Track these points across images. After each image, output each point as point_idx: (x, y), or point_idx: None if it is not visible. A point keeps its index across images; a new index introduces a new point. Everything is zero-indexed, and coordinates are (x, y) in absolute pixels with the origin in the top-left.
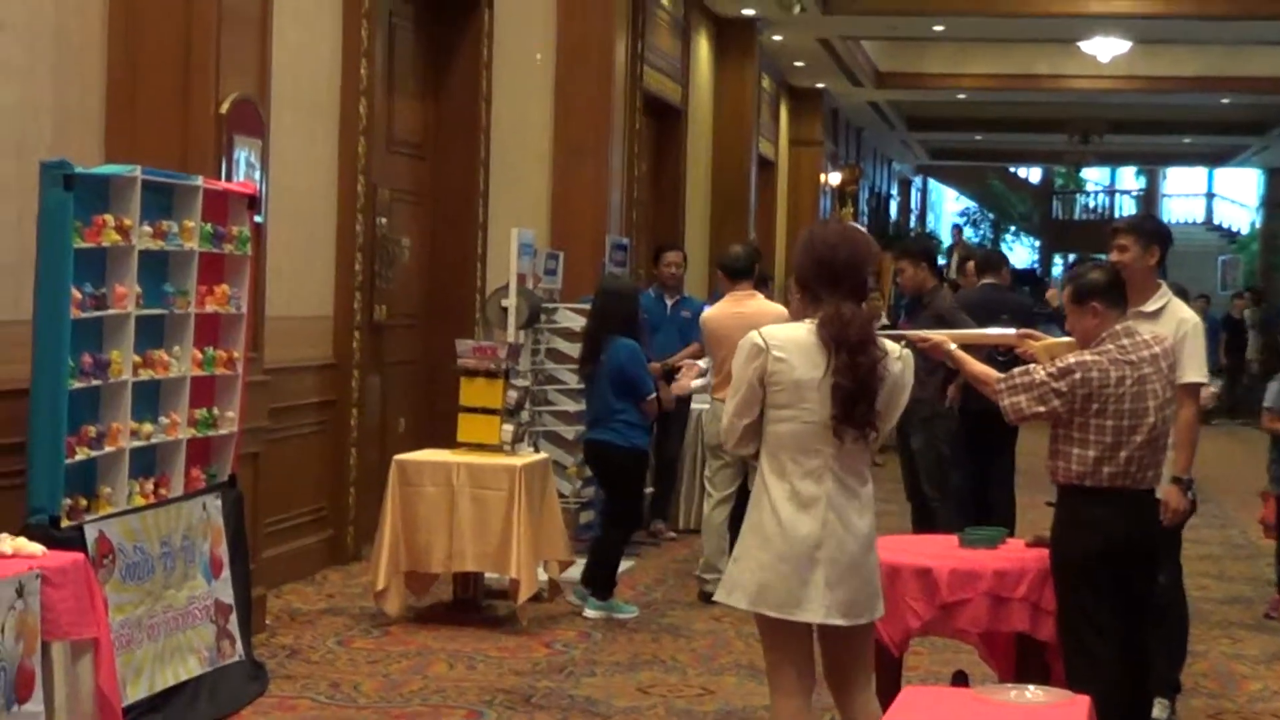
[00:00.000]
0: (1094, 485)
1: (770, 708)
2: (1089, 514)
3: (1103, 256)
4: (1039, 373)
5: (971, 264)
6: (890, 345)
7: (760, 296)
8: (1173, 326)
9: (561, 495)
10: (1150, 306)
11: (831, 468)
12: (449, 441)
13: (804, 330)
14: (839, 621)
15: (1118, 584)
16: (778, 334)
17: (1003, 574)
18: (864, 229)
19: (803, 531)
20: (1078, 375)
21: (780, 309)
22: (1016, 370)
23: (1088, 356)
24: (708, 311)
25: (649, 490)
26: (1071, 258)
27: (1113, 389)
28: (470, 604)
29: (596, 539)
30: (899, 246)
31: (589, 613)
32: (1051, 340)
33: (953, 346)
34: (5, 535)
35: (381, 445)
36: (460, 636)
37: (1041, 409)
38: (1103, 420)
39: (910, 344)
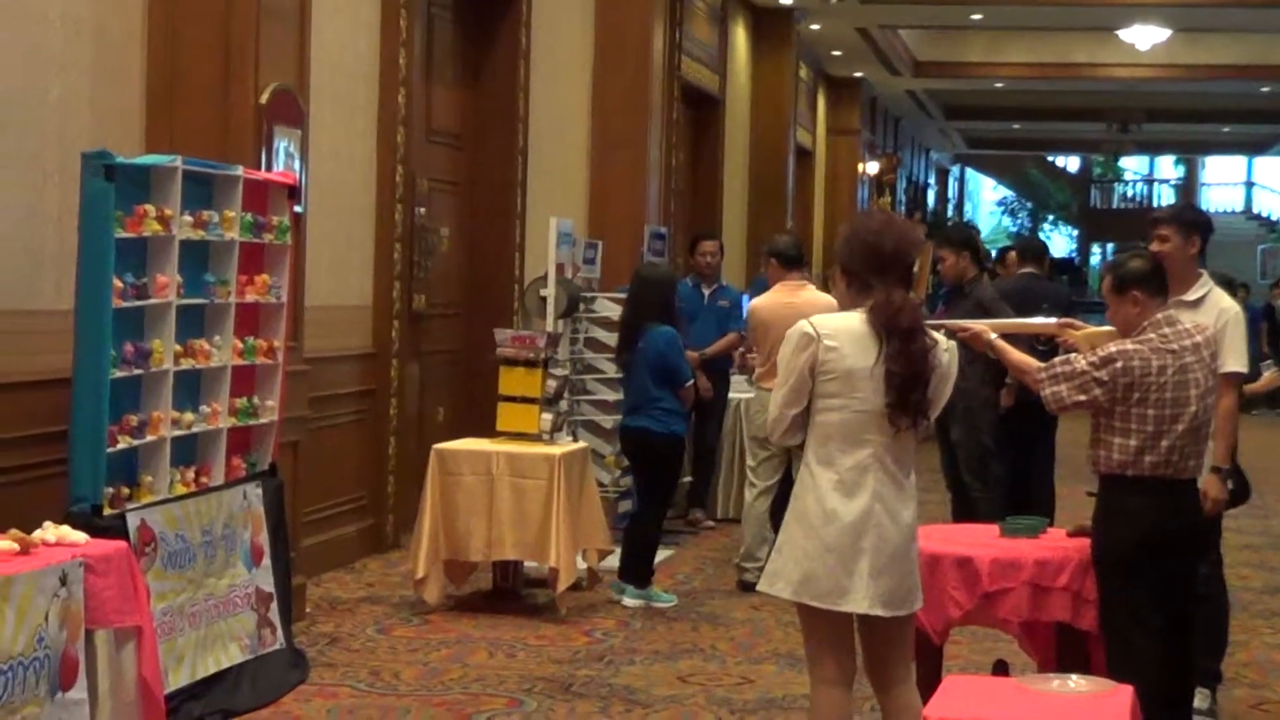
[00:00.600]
0: (1136, 475)
1: (810, 697)
2: (1131, 503)
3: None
4: (1080, 362)
5: (1012, 254)
6: (938, 336)
7: (811, 287)
8: (1214, 316)
9: (600, 484)
10: (1191, 295)
11: (880, 457)
12: (487, 430)
13: (855, 319)
14: (881, 613)
15: (1159, 574)
16: (829, 323)
17: (1044, 563)
18: (896, 215)
19: (848, 520)
20: (1119, 364)
21: (831, 299)
22: (1057, 360)
23: (1129, 345)
24: (757, 300)
25: (687, 479)
26: (1110, 247)
27: (1154, 378)
28: (509, 592)
29: (629, 529)
30: (940, 235)
31: (628, 601)
32: (1092, 329)
33: (993, 336)
34: (48, 524)
35: (420, 434)
36: (500, 625)
37: (1082, 398)
38: (1144, 409)
39: (950, 333)
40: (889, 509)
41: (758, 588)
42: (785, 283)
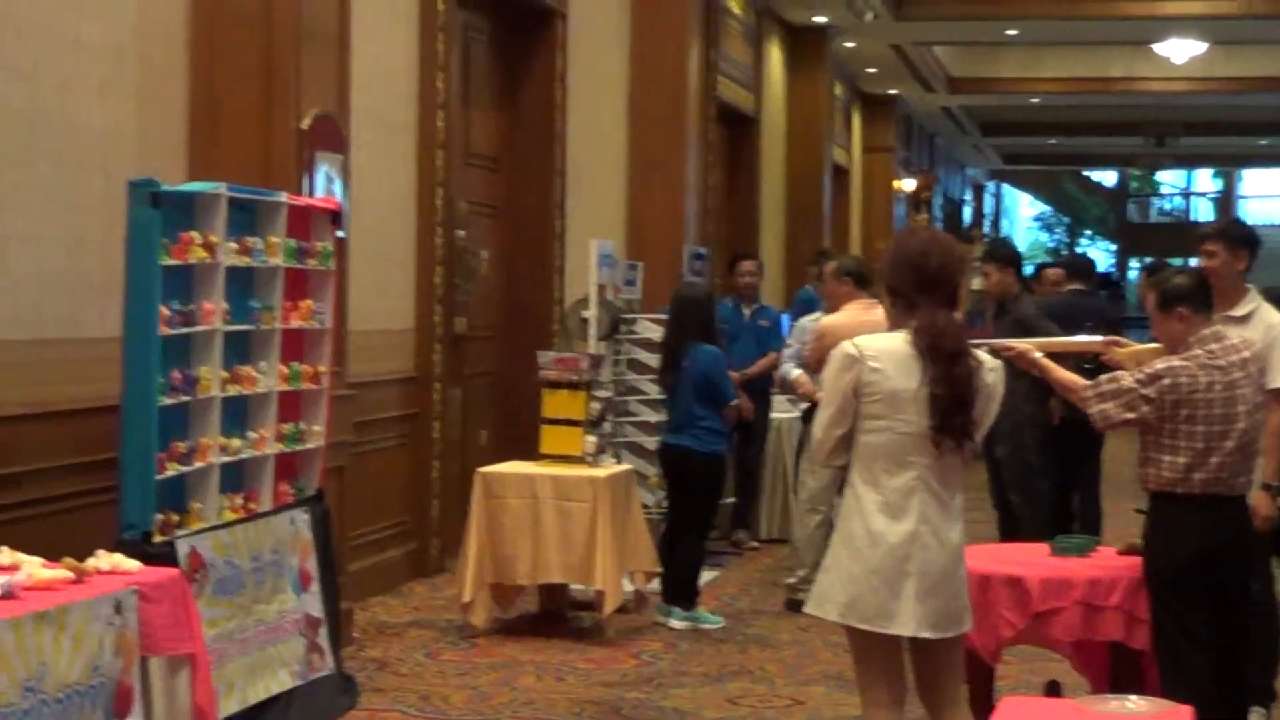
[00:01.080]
0: (1186, 492)
1: (862, 719)
2: (1181, 521)
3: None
4: (1127, 379)
5: (1049, 271)
6: (984, 356)
7: (881, 307)
8: (1261, 331)
9: (644, 506)
10: (1239, 311)
11: (925, 478)
12: (530, 453)
13: (899, 340)
14: (928, 635)
15: (1211, 591)
16: (872, 344)
17: (1095, 582)
18: (941, 232)
19: (894, 542)
20: (1166, 381)
21: None
22: (1104, 377)
23: (1176, 362)
24: (832, 319)
25: (730, 500)
26: (1147, 261)
27: (1202, 394)
28: (556, 615)
29: (665, 550)
30: (985, 250)
31: (674, 624)
32: (1138, 346)
33: (1038, 355)
34: (101, 552)
35: (463, 457)
36: (547, 648)
37: (1130, 415)
38: (1193, 426)
39: (995, 352)
40: (935, 530)
41: (805, 609)
42: (859, 301)
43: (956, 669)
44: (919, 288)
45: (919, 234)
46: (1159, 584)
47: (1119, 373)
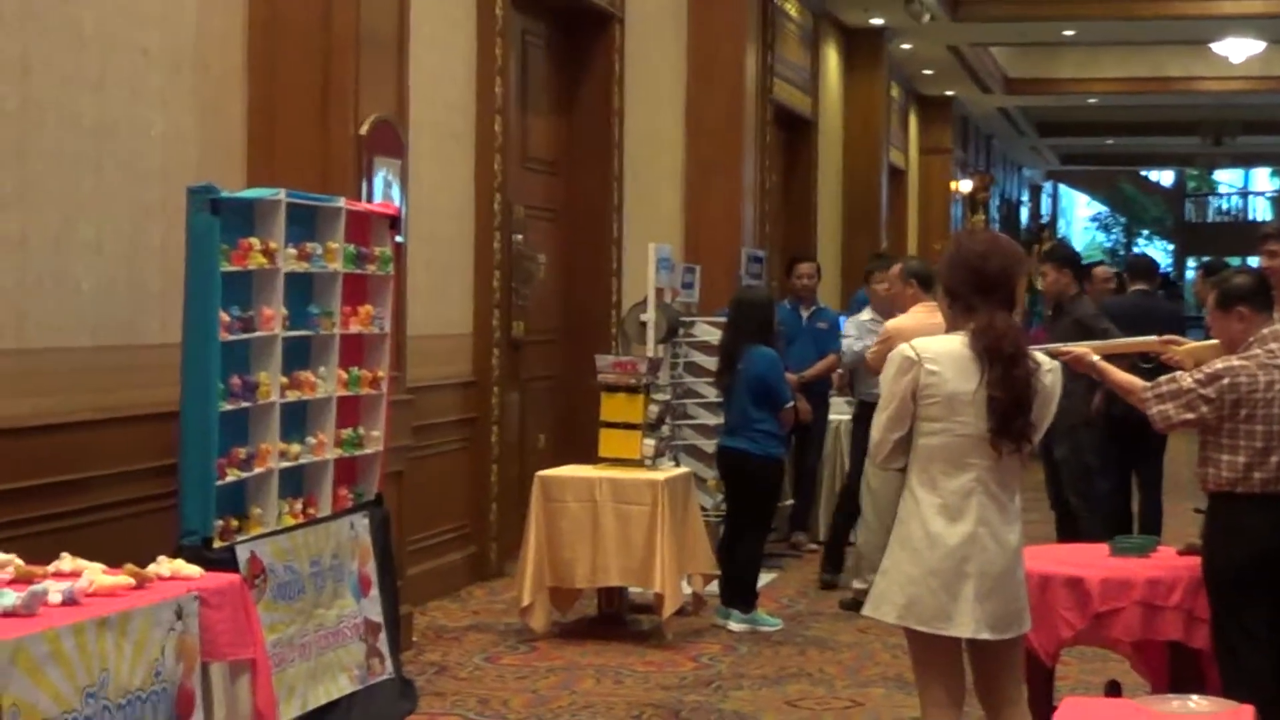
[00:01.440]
0: (1246, 491)
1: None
2: (1241, 521)
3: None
4: (1186, 380)
5: (1099, 269)
6: (1042, 358)
7: None
8: None
9: (702, 509)
10: None
11: (984, 480)
12: (588, 457)
13: (957, 342)
14: (988, 636)
15: (1271, 591)
16: (930, 346)
17: (1155, 582)
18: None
19: (953, 544)
20: (1225, 381)
21: None
22: (1163, 378)
23: (1235, 362)
24: (894, 322)
25: (789, 503)
26: (1204, 261)
27: (1262, 394)
28: (615, 619)
29: (728, 553)
30: (1044, 251)
31: (733, 626)
32: (1195, 344)
33: (1095, 358)
34: (162, 558)
35: (522, 461)
36: (606, 651)
37: (1190, 416)
38: (1252, 425)
39: (1053, 354)
40: (994, 532)
41: (863, 611)
42: (925, 304)
43: (1016, 670)
44: (977, 289)
45: (977, 235)
46: (1219, 584)
47: (1178, 373)
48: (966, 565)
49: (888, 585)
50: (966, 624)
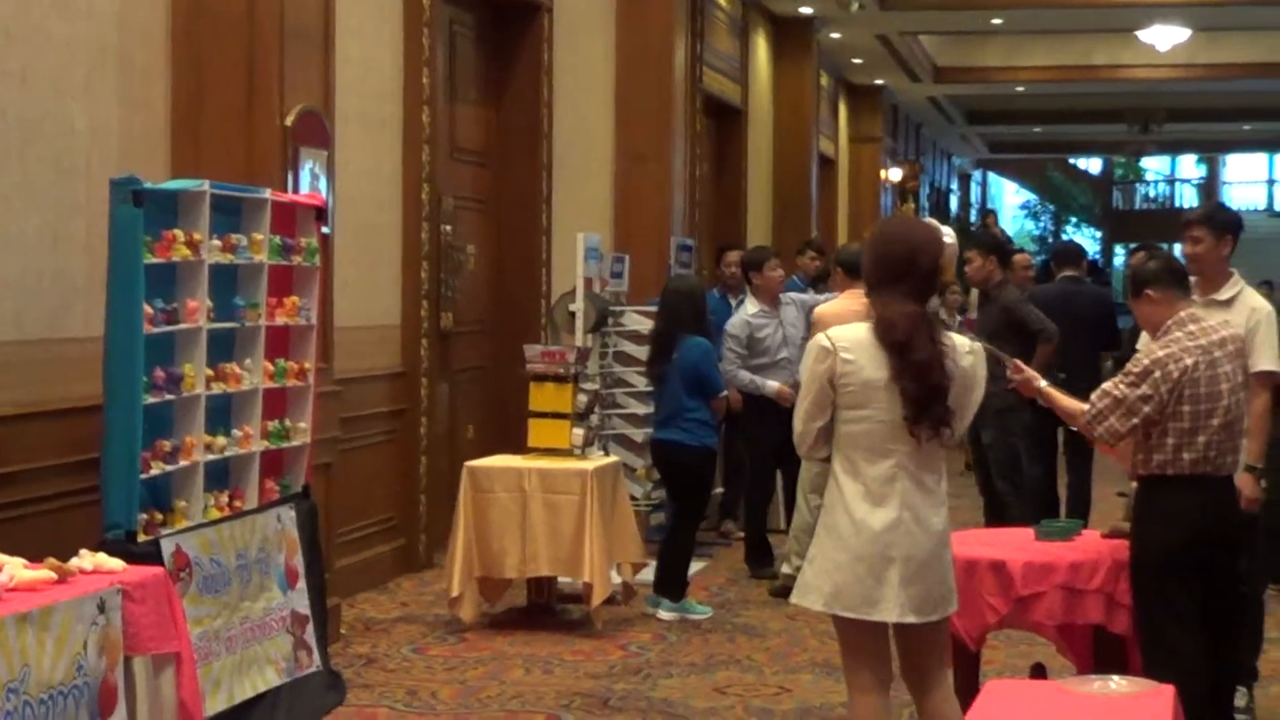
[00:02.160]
0: (1175, 474)
1: (848, 705)
2: (1172, 503)
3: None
4: (1117, 389)
5: (1020, 257)
6: (960, 339)
7: None
8: (1245, 315)
9: (632, 498)
10: (1223, 295)
11: (905, 466)
12: (518, 447)
13: (865, 330)
14: (913, 620)
15: (1200, 573)
16: (844, 335)
17: (1077, 566)
18: (933, 221)
19: (877, 530)
20: (1157, 374)
21: None
22: (1094, 395)
23: (1159, 352)
24: (825, 307)
25: (718, 491)
26: (1131, 247)
27: (1189, 375)
28: (544, 608)
29: (664, 542)
30: (972, 238)
31: (663, 614)
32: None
33: (1042, 384)
34: (85, 551)
35: (451, 452)
36: (535, 641)
37: (1135, 421)
38: (1180, 407)
39: (998, 363)
40: (917, 516)
41: (791, 599)
42: (852, 291)
43: (941, 654)
44: (884, 277)
45: (890, 222)
46: (1149, 567)
47: (1105, 384)
48: (891, 550)
49: (814, 573)
50: (891, 609)
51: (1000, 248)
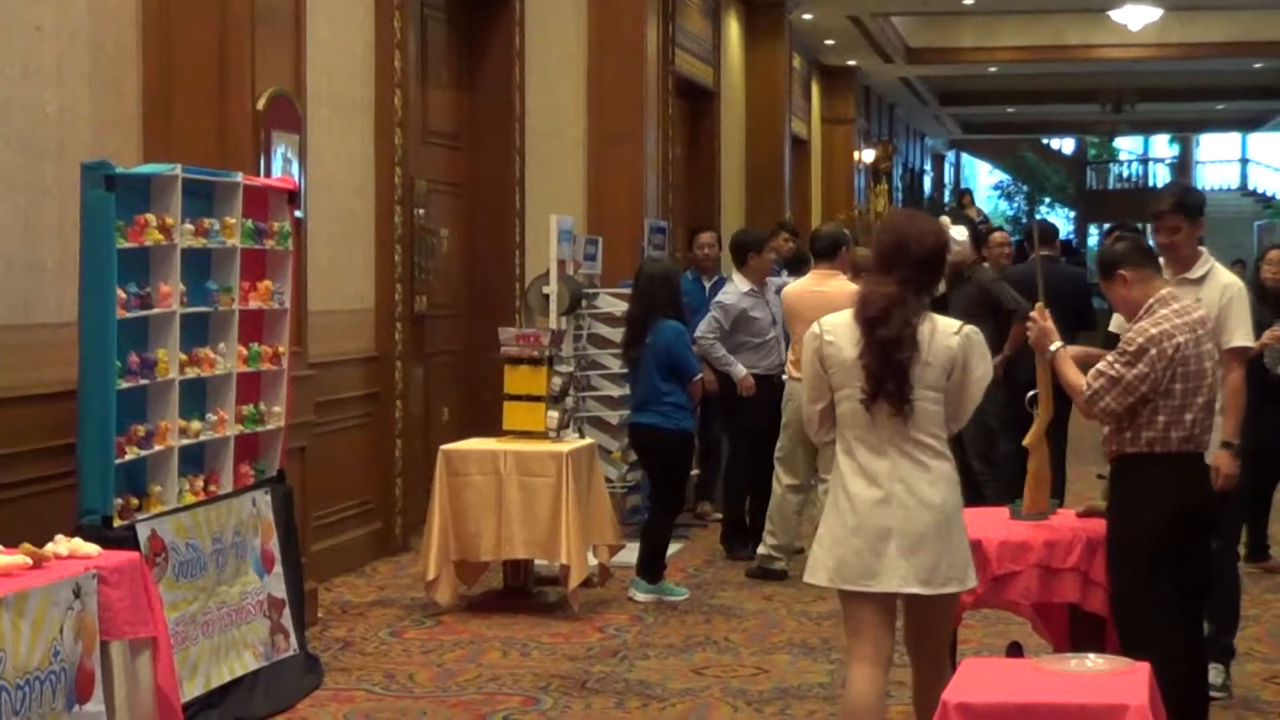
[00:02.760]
0: (1163, 451)
1: (846, 674)
2: (1160, 481)
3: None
4: (1113, 368)
5: (997, 235)
6: (945, 321)
7: (842, 276)
8: (1217, 292)
9: (607, 480)
10: (1195, 273)
11: (895, 441)
12: (493, 430)
13: (849, 313)
14: (917, 590)
15: (1179, 551)
16: (831, 320)
17: (1052, 545)
18: (945, 220)
19: (872, 503)
20: (1153, 351)
21: (855, 288)
22: (1089, 375)
23: (1152, 330)
24: (789, 288)
25: (694, 473)
26: (1106, 227)
27: (1181, 352)
28: (521, 591)
29: (645, 526)
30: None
31: (640, 596)
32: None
33: (1057, 346)
34: (60, 537)
35: (426, 436)
36: (513, 624)
37: (1132, 399)
38: (1172, 384)
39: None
40: (911, 489)
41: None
42: (817, 271)
43: (945, 627)
44: (878, 262)
45: (892, 213)
46: (1133, 545)
47: (1099, 364)
48: (887, 522)
49: (820, 550)
50: (891, 579)
51: (974, 226)
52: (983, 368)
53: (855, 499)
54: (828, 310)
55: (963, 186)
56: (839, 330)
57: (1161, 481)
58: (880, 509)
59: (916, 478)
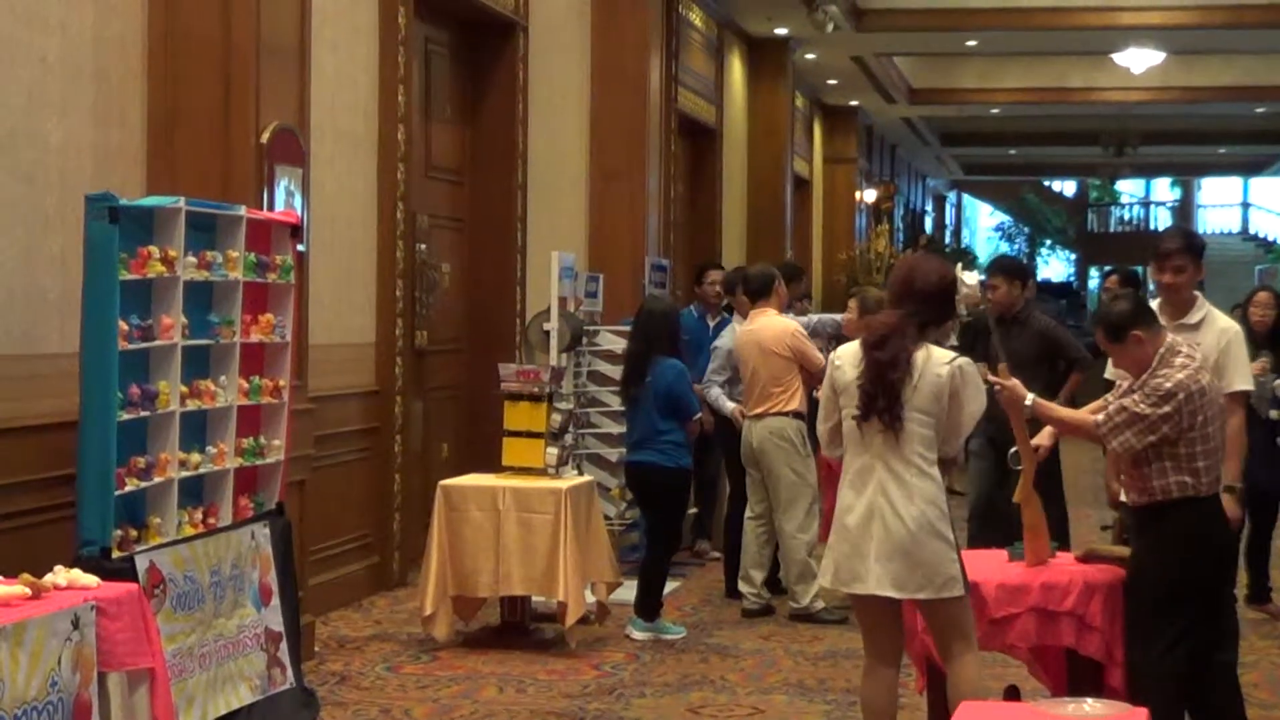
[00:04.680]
0: (1196, 495)
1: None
2: (1201, 524)
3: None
4: (1138, 406)
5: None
6: (940, 352)
7: (771, 312)
8: (1215, 336)
9: (606, 517)
10: (1192, 319)
11: (883, 457)
12: (492, 466)
13: (858, 342)
14: (891, 593)
15: (1205, 593)
16: (844, 349)
17: (1050, 588)
18: (958, 267)
19: (858, 512)
20: (1181, 396)
21: (784, 322)
22: (1111, 408)
23: (1179, 375)
24: (736, 333)
25: (692, 511)
26: (1106, 270)
27: (1209, 395)
28: (518, 627)
29: (642, 564)
30: (995, 264)
31: (636, 634)
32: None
33: (1031, 398)
34: (59, 568)
35: (425, 471)
36: (509, 660)
37: (1152, 438)
38: (1207, 429)
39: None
40: (891, 504)
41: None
42: (754, 310)
43: (956, 629)
44: (889, 298)
45: (905, 258)
46: (1153, 592)
47: (1124, 400)
48: (868, 529)
49: (826, 554)
50: (869, 581)
51: (1024, 272)
52: (976, 402)
53: (846, 509)
54: (759, 347)
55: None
56: (846, 356)
57: (1207, 526)
58: (864, 518)
59: (897, 493)
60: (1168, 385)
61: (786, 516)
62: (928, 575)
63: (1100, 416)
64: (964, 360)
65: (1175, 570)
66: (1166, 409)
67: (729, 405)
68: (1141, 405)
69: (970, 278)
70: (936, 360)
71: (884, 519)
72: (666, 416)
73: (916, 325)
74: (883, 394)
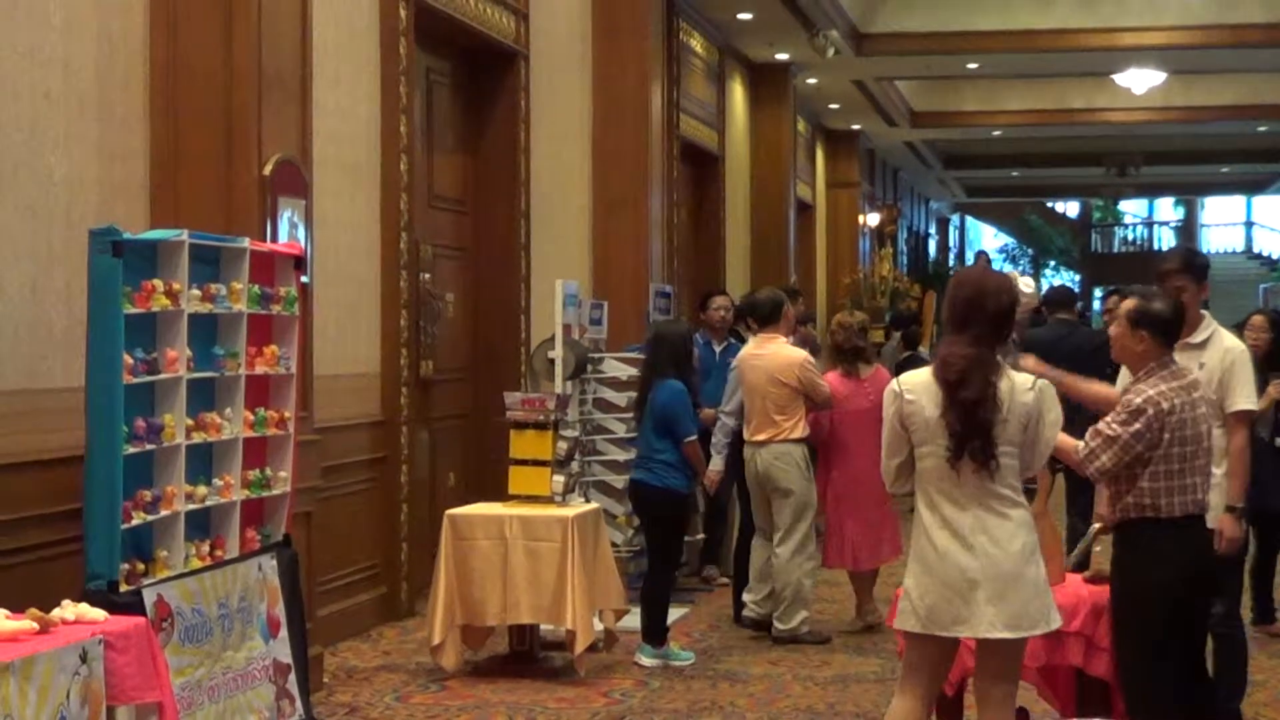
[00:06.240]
0: (1168, 516)
1: (891, 704)
2: (1163, 545)
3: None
4: (1110, 428)
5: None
6: (1020, 378)
7: (781, 340)
8: (1219, 355)
9: (613, 544)
10: (1197, 338)
11: (977, 495)
12: (499, 494)
13: (928, 372)
14: (1004, 635)
15: (1184, 614)
16: (910, 379)
17: (1058, 609)
18: (1014, 273)
19: (959, 556)
20: (1150, 412)
21: (794, 353)
22: (1088, 434)
23: (1149, 391)
24: (739, 355)
25: (700, 536)
26: (1108, 290)
27: (1177, 415)
28: (527, 656)
29: (643, 589)
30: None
31: (645, 661)
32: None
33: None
34: (67, 602)
35: (432, 500)
36: (518, 689)
37: (1129, 457)
38: (1170, 449)
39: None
40: (993, 539)
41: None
42: (758, 336)
43: (1015, 670)
44: (953, 320)
45: (964, 270)
46: (1135, 609)
47: (1098, 424)
48: (973, 573)
49: (910, 601)
50: (980, 625)
51: (1070, 300)
52: (1054, 413)
53: (942, 552)
54: (767, 375)
55: (980, 249)
56: (919, 389)
57: (1165, 546)
58: (966, 559)
59: (998, 528)
60: (1137, 401)
61: (786, 538)
62: (1040, 609)
63: (1080, 443)
64: (1043, 382)
65: (1147, 590)
66: (1137, 426)
67: (716, 465)
68: (1114, 425)
69: (1027, 285)
70: (1020, 388)
71: (988, 557)
72: (661, 436)
73: (990, 350)
74: (976, 434)
